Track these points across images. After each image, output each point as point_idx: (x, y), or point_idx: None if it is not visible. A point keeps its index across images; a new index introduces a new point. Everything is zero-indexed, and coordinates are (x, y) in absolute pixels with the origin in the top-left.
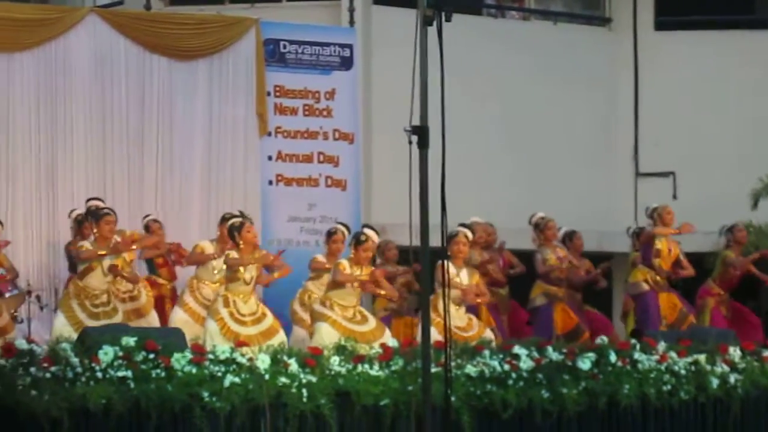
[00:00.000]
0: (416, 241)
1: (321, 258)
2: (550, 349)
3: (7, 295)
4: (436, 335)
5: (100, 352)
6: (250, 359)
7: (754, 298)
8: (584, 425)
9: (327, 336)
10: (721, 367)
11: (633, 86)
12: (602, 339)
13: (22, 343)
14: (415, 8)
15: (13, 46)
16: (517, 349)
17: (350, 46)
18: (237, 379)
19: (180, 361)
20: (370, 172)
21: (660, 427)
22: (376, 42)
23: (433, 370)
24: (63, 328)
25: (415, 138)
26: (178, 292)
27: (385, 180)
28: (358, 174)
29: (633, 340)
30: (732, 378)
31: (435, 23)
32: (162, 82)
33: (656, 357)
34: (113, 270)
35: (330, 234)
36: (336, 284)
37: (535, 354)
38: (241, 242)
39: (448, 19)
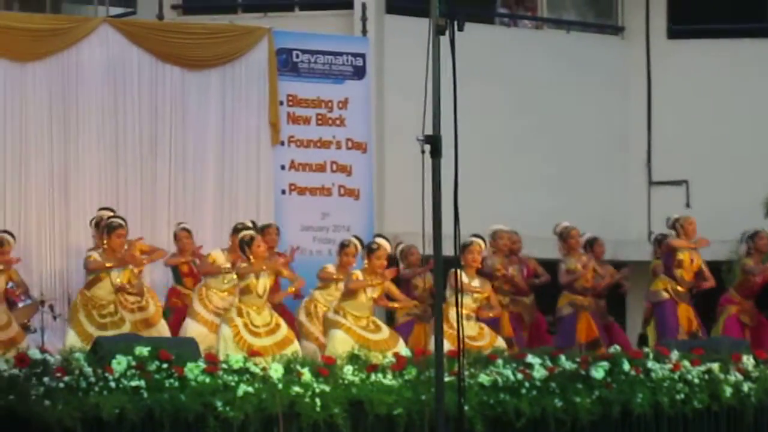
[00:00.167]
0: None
1: (331, 268)
2: (563, 358)
3: (20, 305)
4: (447, 346)
5: (114, 361)
6: (264, 368)
7: None
8: None
9: (341, 343)
10: (735, 376)
11: (646, 95)
12: (615, 348)
13: (35, 353)
14: (428, 17)
15: (26, 56)
16: (530, 358)
17: (363, 56)
18: (250, 389)
19: (193, 370)
20: (382, 181)
21: None
22: (388, 51)
23: (447, 379)
24: (75, 344)
25: (427, 147)
26: None
27: (397, 189)
28: (371, 183)
29: (646, 349)
30: (745, 386)
31: (447, 32)
32: (175, 92)
33: (669, 366)
34: (120, 289)
35: (343, 246)
36: (349, 293)
37: (549, 363)
38: (251, 257)
39: (460, 29)
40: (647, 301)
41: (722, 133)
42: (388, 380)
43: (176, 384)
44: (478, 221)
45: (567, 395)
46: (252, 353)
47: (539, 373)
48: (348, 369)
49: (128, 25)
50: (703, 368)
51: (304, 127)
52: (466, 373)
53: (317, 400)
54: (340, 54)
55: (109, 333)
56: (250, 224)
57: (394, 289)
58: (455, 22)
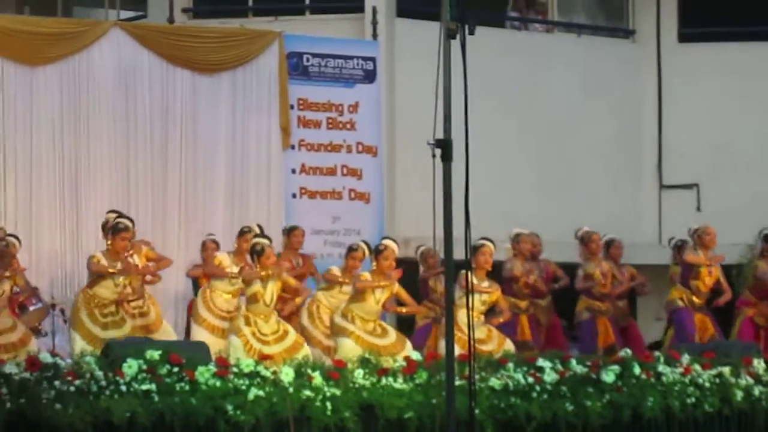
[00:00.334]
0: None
1: (336, 271)
2: (574, 361)
3: (31, 308)
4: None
5: (124, 365)
6: (274, 372)
7: None
8: None
9: (350, 351)
10: (746, 380)
11: (656, 98)
12: (626, 351)
13: (46, 357)
14: (439, 21)
15: (36, 59)
16: (541, 362)
17: (373, 59)
18: (261, 393)
19: (204, 374)
20: (393, 184)
21: None
22: (399, 55)
23: (457, 383)
24: (85, 348)
25: (438, 151)
26: None
27: (408, 193)
28: (382, 187)
29: (657, 353)
30: (756, 390)
31: (458, 36)
32: (185, 96)
33: (680, 369)
34: (120, 303)
35: (351, 249)
36: (357, 295)
37: (559, 367)
38: (259, 267)
39: (471, 32)
40: (665, 309)
41: (733, 136)
42: (399, 384)
43: (187, 388)
44: (488, 225)
45: (578, 399)
46: (263, 357)
47: (550, 376)
48: (359, 373)
49: (139, 29)
50: (713, 372)
51: (315, 131)
52: (477, 376)
53: (328, 404)
54: (351, 58)
55: (111, 333)
56: (256, 227)
57: (403, 293)
58: (466, 26)
